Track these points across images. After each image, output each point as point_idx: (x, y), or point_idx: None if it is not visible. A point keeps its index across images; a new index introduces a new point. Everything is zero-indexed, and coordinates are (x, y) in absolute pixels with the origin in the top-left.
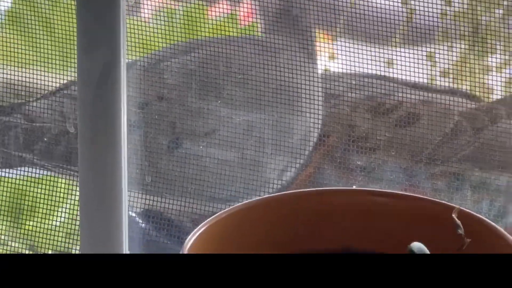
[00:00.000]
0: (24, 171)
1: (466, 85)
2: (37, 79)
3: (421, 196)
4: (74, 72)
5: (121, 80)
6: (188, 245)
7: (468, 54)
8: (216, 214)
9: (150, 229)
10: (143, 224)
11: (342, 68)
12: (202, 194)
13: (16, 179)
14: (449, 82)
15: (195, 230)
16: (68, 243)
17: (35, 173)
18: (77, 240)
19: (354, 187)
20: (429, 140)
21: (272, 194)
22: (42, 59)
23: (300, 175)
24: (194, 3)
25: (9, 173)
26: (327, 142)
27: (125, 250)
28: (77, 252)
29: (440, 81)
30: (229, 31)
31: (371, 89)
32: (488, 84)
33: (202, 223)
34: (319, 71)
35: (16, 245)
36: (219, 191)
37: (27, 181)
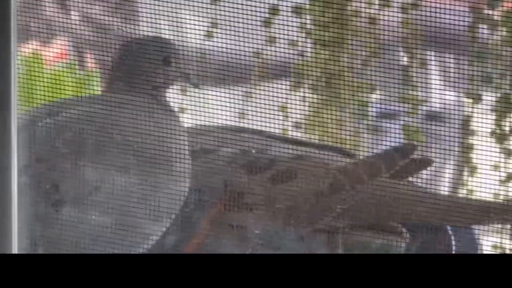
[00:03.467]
0: None
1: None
2: None
3: None
4: None
5: (12, 139)
6: None
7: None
8: None
9: None
10: None
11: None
12: None
13: None
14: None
15: None
16: None
17: None
18: None
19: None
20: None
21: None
22: None
23: (190, 242)
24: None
25: None
26: (215, 207)
27: None
28: None
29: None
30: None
31: (245, 144)
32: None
33: None
34: (186, 125)
35: None
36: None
37: None
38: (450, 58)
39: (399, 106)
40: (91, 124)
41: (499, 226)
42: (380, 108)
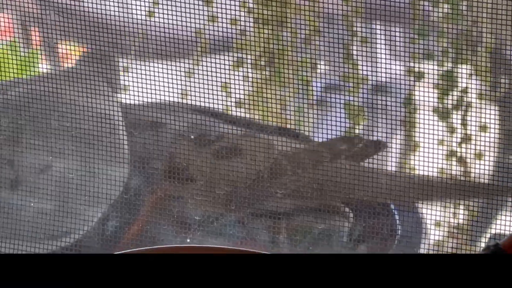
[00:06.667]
0: None
1: (260, 114)
2: None
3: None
4: None
5: None
6: None
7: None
8: None
9: None
10: None
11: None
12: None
13: None
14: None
15: None
16: None
17: None
18: None
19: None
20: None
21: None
22: None
23: (131, 228)
24: None
25: None
26: (155, 193)
27: None
28: None
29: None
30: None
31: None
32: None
33: None
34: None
35: None
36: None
37: None
38: (393, 32)
39: (342, 82)
40: (27, 108)
41: (443, 203)
42: (324, 82)
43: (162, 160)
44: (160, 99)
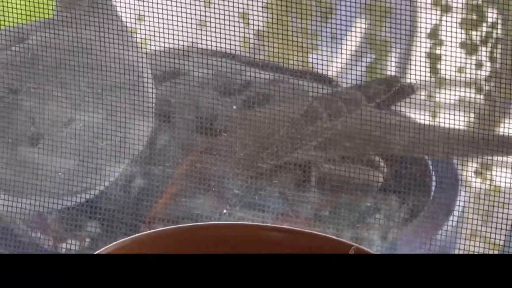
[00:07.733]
0: None
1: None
2: None
3: (317, 233)
4: None
5: None
6: None
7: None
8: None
9: None
10: None
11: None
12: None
13: None
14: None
15: None
16: None
17: None
18: None
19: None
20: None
21: (159, 229)
22: None
23: (162, 196)
24: None
25: None
26: (188, 157)
27: None
28: None
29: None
30: None
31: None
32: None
33: None
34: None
35: None
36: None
37: None
38: None
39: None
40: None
41: (481, 157)
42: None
43: (188, 112)
44: (178, 35)
